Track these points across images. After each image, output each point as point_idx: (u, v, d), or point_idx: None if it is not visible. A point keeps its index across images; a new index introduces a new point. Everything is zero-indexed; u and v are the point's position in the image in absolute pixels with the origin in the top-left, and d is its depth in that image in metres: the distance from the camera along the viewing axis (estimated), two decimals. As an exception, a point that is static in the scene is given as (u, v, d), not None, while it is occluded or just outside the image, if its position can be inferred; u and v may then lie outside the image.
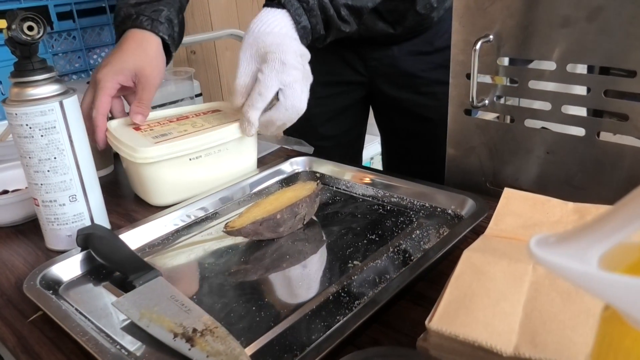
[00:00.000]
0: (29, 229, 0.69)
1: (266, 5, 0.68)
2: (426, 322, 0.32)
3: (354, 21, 0.72)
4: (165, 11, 0.75)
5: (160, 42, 0.75)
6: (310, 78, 0.69)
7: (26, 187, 0.63)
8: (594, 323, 0.29)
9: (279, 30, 0.66)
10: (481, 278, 0.34)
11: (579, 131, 0.59)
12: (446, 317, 0.32)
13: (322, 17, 0.69)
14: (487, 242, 0.41)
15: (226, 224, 0.58)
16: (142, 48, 0.73)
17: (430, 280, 0.51)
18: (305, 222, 0.62)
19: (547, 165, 0.63)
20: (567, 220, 0.44)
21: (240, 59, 0.67)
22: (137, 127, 0.73)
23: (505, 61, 0.64)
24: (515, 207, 0.46)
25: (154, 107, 0.94)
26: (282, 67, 0.65)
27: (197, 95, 0.99)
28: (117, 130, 0.72)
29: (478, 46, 0.62)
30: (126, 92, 0.77)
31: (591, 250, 0.16)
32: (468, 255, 0.37)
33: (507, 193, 0.47)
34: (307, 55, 0.69)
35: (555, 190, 0.63)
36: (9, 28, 0.51)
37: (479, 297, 0.32)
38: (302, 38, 0.69)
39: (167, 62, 0.79)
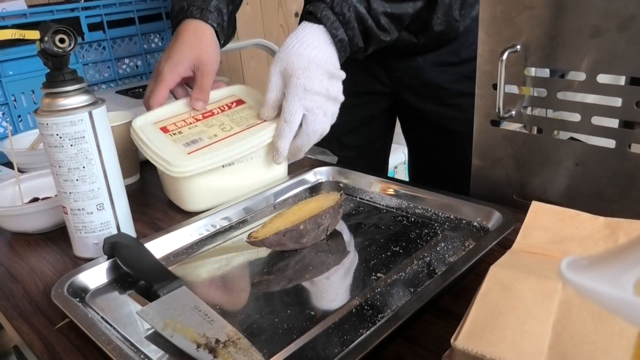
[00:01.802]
0: (58, 237, 0.70)
1: (304, 18, 0.70)
2: (452, 340, 0.31)
3: (394, 29, 0.73)
4: (214, 1, 0.77)
5: (212, 30, 0.77)
6: (340, 99, 0.70)
7: (56, 195, 0.64)
8: (627, 345, 0.28)
9: (309, 52, 0.67)
10: (508, 295, 0.33)
11: (610, 143, 0.58)
12: (472, 336, 0.31)
13: (360, 28, 0.69)
14: (514, 258, 0.40)
15: (249, 234, 0.58)
16: (197, 37, 0.76)
17: (455, 295, 0.51)
18: (328, 233, 0.62)
19: (577, 178, 0.62)
20: (598, 235, 0.42)
21: (271, 72, 0.69)
22: (164, 128, 0.72)
23: (533, 71, 0.63)
24: (544, 221, 0.45)
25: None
26: (304, 94, 0.67)
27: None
28: (144, 132, 0.71)
29: (505, 56, 0.61)
30: (187, 81, 0.79)
31: (626, 275, 0.16)
32: (495, 271, 0.36)
33: (535, 206, 0.46)
34: (340, 75, 0.70)
35: (584, 203, 0.61)
36: (41, 40, 0.52)
37: (506, 315, 0.32)
38: (340, 51, 0.70)
39: None
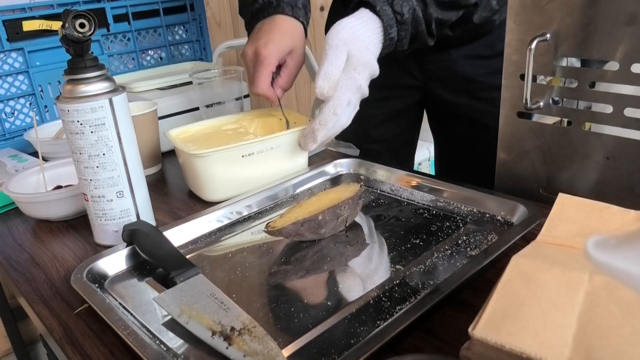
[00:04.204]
0: (80, 224, 0.71)
1: (361, 4, 0.68)
2: (469, 329, 0.30)
3: (436, 34, 0.72)
4: None
5: (302, 27, 0.77)
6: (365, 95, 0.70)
7: (78, 183, 0.65)
8: (658, 339, 0.26)
9: (371, 48, 0.67)
10: (531, 285, 0.32)
11: (643, 135, 0.55)
12: (492, 325, 0.29)
13: (411, 31, 0.69)
14: (538, 249, 0.38)
15: (267, 223, 0.58)
16: (293, 31, 0.76)
17: (476, 288, 0.49)
18: (347, 225, 0.61)
19: (607, 172, 0.59)
20: (629, 229, 0.40)
21: (331, 46, 0.65)
22: None
23: (563, 61, 0.60)
24: (571, 213, 0.43)
25: (194, 109, 0.96)
26: (356, 90, 0.67)
27: (245, 96, 1.00)
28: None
29: (534, 45, 0.59)
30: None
31: (659, 255, 0.14)
32: (517, 261, 0.35)
33: (562, 198, 0.45)
34: (377, 74, 0.69)
35: (615, 198, 0.59)
36: (63, 26, 0.52)
37: (528, 306, 0.30)
38: (385, 48, 0.69)
39: None
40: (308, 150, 0.73)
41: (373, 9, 0.67)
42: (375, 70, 0.68)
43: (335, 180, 0.76)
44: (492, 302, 0.31)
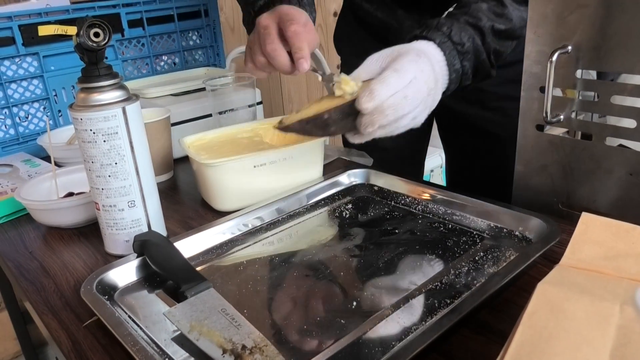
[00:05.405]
0: (91, 232, 0.70)
1: (417, 38, 0.63)
2: (495, 364, 0.29)
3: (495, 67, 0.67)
4: None
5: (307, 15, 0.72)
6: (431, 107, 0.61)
7: (89, 190, 0.64)
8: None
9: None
10: (559, 317, 0.30)
11: (668, 152, 0.54)
12: (518, 361, 0.28)
13: (474, 61, 0.65)
14: (564, 274, 0.37)
15: (279, 120, 0.61)
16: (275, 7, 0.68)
17: (494, 308, 0.48)
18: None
19: (630, 189, 0.58)
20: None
21: (367, 59, 0.61)
22: None
23: (585, 74, 0.59)
24: (595, 234, 0.41)
25: (207, 116, 0.95)
26: (418, 60, 0.58)
27: (258, 103, 0.99)
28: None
29: (555, 57, 0.57)
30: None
31: None
32: (543, 289, 0.33)
33: (586, 218, 0.43)
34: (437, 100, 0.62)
35: (638, 216, 0.57)
36: (77, 34, 0.52)
37: (557, 339, 0.29)
38: (452, 83, 0.64)
39: None
40: (365, 109, 0.55)
41: (431, 41, 0.62)
42: (437, 79, 0.61)
43: (349, 191, 0.74)
44: (518, 335, 0.30)
